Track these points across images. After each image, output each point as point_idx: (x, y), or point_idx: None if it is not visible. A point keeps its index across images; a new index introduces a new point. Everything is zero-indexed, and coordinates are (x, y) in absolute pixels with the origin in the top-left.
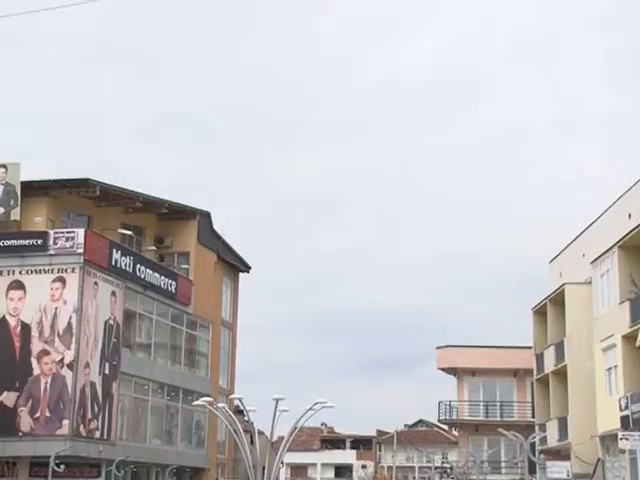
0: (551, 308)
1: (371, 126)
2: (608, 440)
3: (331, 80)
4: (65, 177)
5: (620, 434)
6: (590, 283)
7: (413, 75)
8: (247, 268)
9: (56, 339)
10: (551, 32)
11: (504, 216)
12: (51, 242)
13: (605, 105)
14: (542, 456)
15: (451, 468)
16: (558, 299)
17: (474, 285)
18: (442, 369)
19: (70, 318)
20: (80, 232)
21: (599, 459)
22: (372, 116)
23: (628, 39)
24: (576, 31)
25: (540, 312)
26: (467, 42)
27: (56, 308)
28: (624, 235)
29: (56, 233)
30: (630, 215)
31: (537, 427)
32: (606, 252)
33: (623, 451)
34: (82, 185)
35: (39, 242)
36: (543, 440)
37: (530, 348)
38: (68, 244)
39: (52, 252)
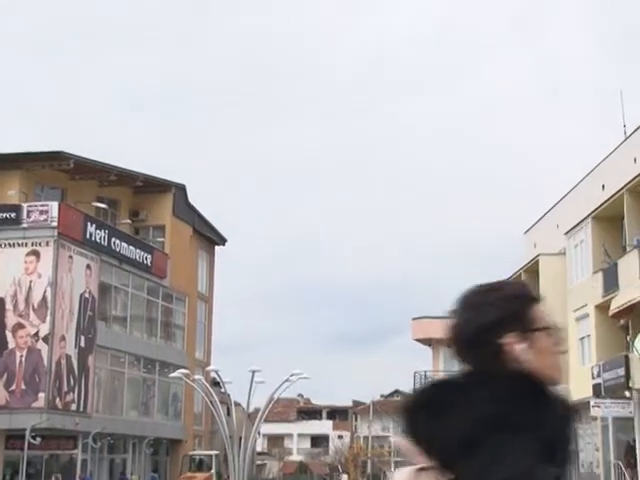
0: (525, 279)
1: (353, 101)
2: (580, 408)
3: (311, 55)
4: (38, 150)
5: (592, 402)
6: (564, 254)
7: (397, 50)
8: (223, 241)
9: (31, 313)
10: (536, 4)
11: (480, 188)
12: (25, 216)
13: (586, 78)
14: None
15: None
16: (532, 270)
17: (450, 256)
18: (418, 340)
19: (45, 291)
20: (54, 205)
21: None
22: (354, 91)
23: (612, 12)
24: (561, 3)
25: None
26: (449, 16)
27: (30, 282)
28: (598, 206)
29: (30, 206)
30: (604, 186)
31: None
32: (580, 223)
33: (595, 418)
34: (55, 158)
35: (12, 216)
36: None
37: None
38: (42, 217)
39: (26, 226)
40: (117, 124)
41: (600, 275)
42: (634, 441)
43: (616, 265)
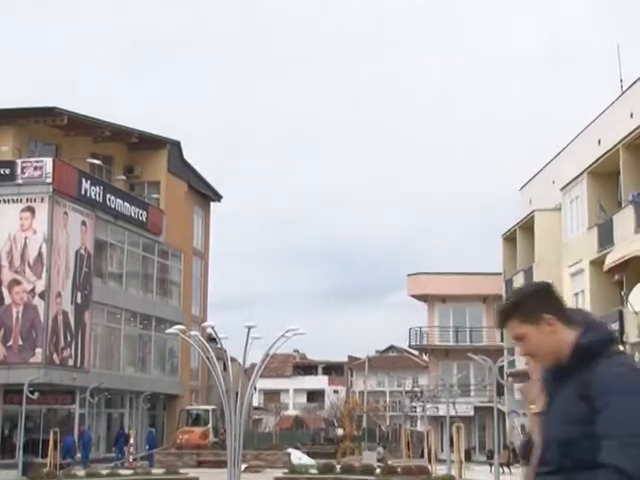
0: (521, 235)
1: (353, 57)
2: None
3: (303, 15)
4: (31, 105)
5: None
6: (559, 209)
7: (393, 6)
8: (218, 197)
9: (27, 269)
10: None
11: (476, 145)
12: (19, 171)
13: (584, 33)
14: (510, 379)
15: (421, 392)
16: (528, 226)
17: (445, 213)
18: (413, 296)
19: (40, 248)
20: (48, 161)
21: None
22: (349, 51)
23: None
24: None
25: (510, 239)
26: None
27: (26, 238)
28: (593, 161)
29: (24, 162)
30: (599, 141)
31: (506, 351)
32: (575, 179)
33: None
34: (49, 114)
35: (6, 172)
36: (511, 363)
37: (500, 274)
38: (36, 173)
39: (20, 182)
40: (112, 81)
41: (595, 230)
42: None
43: (611, 220)
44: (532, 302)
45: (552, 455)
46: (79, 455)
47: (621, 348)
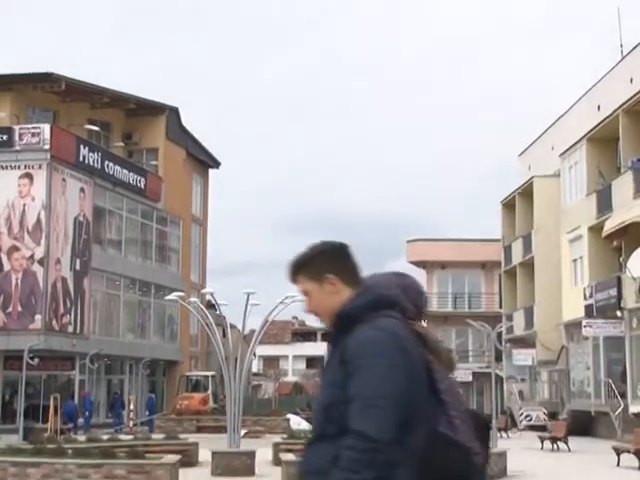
0: (519, 201)
1: (353, 23)
2: (572, 328)
3: None
4: (28, 71)
5: (584, 322)
6: (558, 176)
7: None
8: (217, 164)
9: (25, 235)
10: None
11: (475, 111)
12: (17, 138)
13: (585, 4)
14: (508, 345)
15: None
16: (527, 192)
17: (444, 180)
18: (412, 262)
19: (39, 214)
20: (46, 128)
21: (563, 346)
22: (354, 13)
23: None
24: None
25: (509, 205)
26: None
27: (24, 205)
28: (593, 127)
29: (21, 129)
30: (599, 107)
31: (504, 317)
32: (574, 145)
33: (586, 338)
34: (46, 79)
35: (4, 138)
36: (510, 329)
37: (498, 241)
38: (34, 140)
39: (18, 148)
40: (109, 47)
41: (594, 196)
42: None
43: (610, 186)
44: (318, 261)
45: (318, 421)
46: (81, 420)
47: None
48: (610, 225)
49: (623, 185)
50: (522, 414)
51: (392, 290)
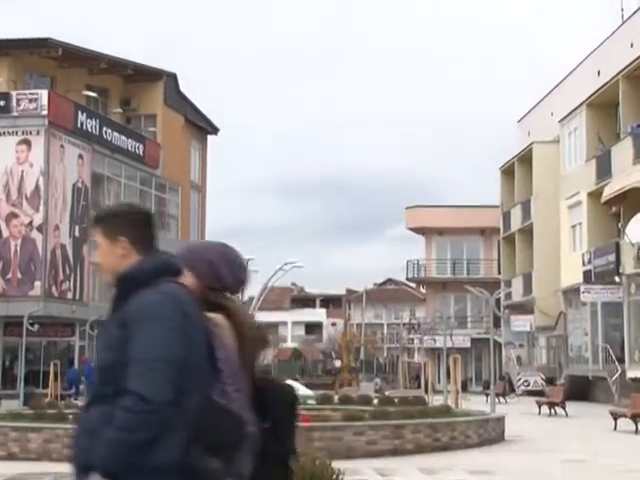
0: (519, 167)
1: None
2: (570, 294)
3: None
4: (26, 36)
5: (582, 288)
6: (558, 142)
7: None
8: (215, 130)
9: (24, 202)
10: None
11: (475, 76)
12: (14, 103)
13: None
14: (507, 311)
15: (418, 324)
16: (526, 158)
17: (444, 146)
18: (411, 229)
19: (37, 181)
20: (44, 93)
21: (561, 312)
22: None
23: None
24: None
25: (508, 171)
26: None
27: (22, 171)
28: (592, 93)
29: (19, 94)
30: (599, 72)
31: (502, 283)
32: (574, 110)
33: (584, 304)
34: (43, 45)
35: (1, 103)
36: (508, 295)
37: (497, 207)
38: (32, 106)
39: (16, 114)
40: (107, 13)
41: (593, 162)
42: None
43: (609, 152)
44: (115, 222)
45: (96, 382)
46: (82, 386)
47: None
48: (609, 191)
49: (622, 151)
50: (520, 379)
51: (180, 258)
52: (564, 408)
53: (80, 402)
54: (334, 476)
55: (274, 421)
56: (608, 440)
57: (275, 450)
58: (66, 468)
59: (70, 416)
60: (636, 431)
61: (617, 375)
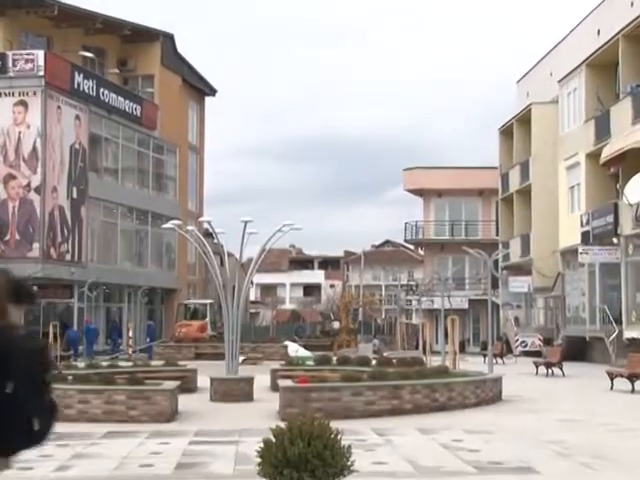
0: (517, 128)
1: None
2: (568, 255)
3: None
4: None
5: (580, 249)
6: (557, 102)
7: None
8: (213, 92)
9: (22, 163)
10: None
11: (473, 37)
12: (10, 64)
13: None
14: (505, 272)
15: (416, 285)
16: (524, 119)
17: (443, 108)
18: (409, 190)
19: (35, 142)
20: (40, 54)
21: (559, 273)
22: None
23: None
24: None
25: (506, 132)
26: None
27: (19, 132)
28: (592, 53)
29: (15, 55)
30: (599, 32)
31: (501, 244)
32: (573, 70)
33: (582, 265)
34: (39, 4)
35: None
36: (506, 257)
37: (496, 168)
38: (28, 66)
39: (12, 75)
40: None
41: (592, 123)
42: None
43: (609, 113)
44: None
45: None
46: (82, 347)
47: (615, 241)
48: (608, 152)
49: (622, 111)
50: (517, 340)
51: None
52: (561, 368)
53: (79, 363)
54: (333, 436)
55: (17, 383)
56: (604, 400)
57: (18, 415)
58: (65, 428)
59: (69, 377)
60: (632, 390)
61: (614, 335)
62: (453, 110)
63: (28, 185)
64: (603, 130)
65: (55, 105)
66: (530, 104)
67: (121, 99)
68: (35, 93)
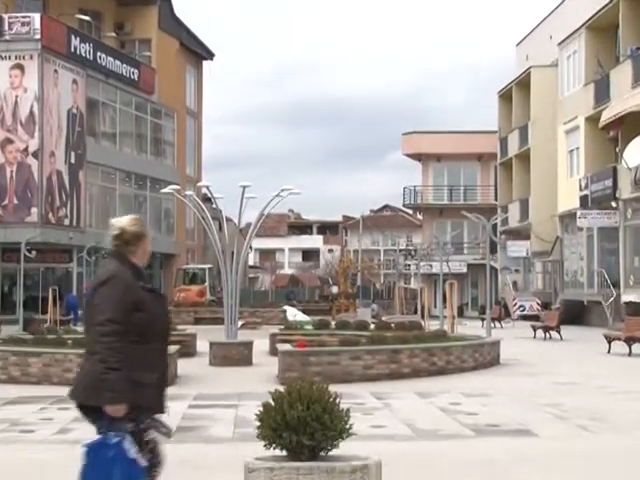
0: (517, 92)
1: None
2: (567, 219)
3: None
4: None
5: (579, 213)
6: (556, 66)
7: None
8: (211, 55)
9: (19, 128)
10: None
11: (473, 0)
12: (6, 27)
13: None
14: (503, 236)
15: (415, 250)
16: (524, 82)
17: (444, 72)
18: (408, 155)
19: (32, 107)
20: (36, 17)
21: (557, 237)
22: None
23: None
24: None
25: (506, 96)
26: None
27: (16, 96)
28: (592, 15)
29: (10, 18)
30: None
31: (499, 209)
32: (573, 33)
33: (581, 229)
34: None
35: None
36: (505, 221)
37: (495, 133)
38: (24, 29)
39: (8, 38)
40: None
41: (592, 86)
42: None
43: (608, 76)
44: None
45: None
46: (80, 312)
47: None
48: (607, 115)
49: (622, 74)
50: (516, 304)
51: None
52: (559, 332)
53: (78, 328)
54: (332, 400)
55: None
56: (602, 363)
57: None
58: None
59: (69, 341)
60: (629, 354)
61: (612, 299)
62: (454, 74)
63: (26, 149)
64: (603, 93)
65: (52, 69)
66: (529, 67)
67: (118, 63)
68: (32, 57)
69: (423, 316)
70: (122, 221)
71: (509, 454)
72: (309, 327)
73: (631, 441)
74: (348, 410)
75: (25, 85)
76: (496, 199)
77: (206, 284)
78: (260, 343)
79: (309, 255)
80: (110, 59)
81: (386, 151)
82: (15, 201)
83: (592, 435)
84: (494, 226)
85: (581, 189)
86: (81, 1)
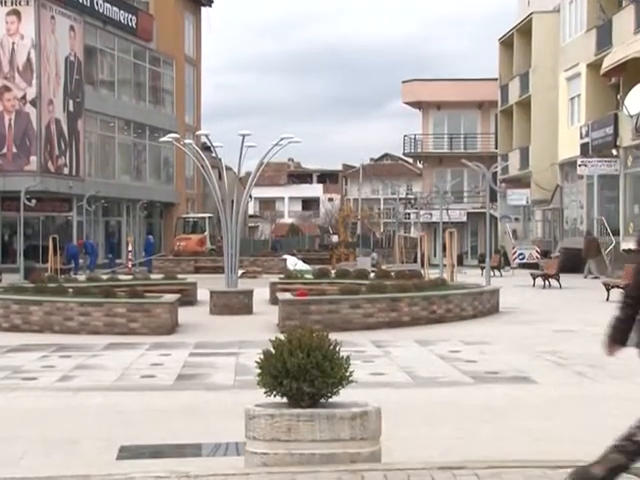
0: (518, 39)
1: None
2: (567, 167)
3: None
4: None
5: (579, 161)
6: (558, 12)
7: None
8: (209, 1)
9: (16, 75)
10: None
11: None
12: None
13: None
14: (503, 185)
15: (415, 199)
16: (525, 29)
17: (445, 19)
18: (407, 103)
19: (29, 54)
20: None
21: (558, 185)
22: None
23: None
24: None
25: (507, 43)
26: None
27: (13, 43)
28: None
29: None
30: None
31: (499, 157)
32: None
33: (581, 177)
34: None
35: None
36: (505, 170)
37: (495, 80)
38: None
39: None
40: None
41: (594, 32)
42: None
43: (611, 21)
44: None
45: None
46: (81, 261)
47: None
48: (609, 62)
49: (624, 19)
50: (515, 253)
51: None
52: (558, 280)
53: (79, 276)
54: (332, 347)
55: None
56: (600, 310)
57: None
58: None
59: (70, 290)
60: None
61: (611, 247)
62: (456, 22)
63: (24, 97)
64: (604, 40)
65: (49, 15)
66: (531, 13)
67: (116, 9)
68: (28, 2)
69: (423, 265)
70: None
71: (508, 400)
72: (309, 276)
73: (631, 386)
74: (348, 358)
75: (22, 32)
76: (496, 147)
77: (206, 233)
78: (260, 292)
79: (309, 204)
80: (107, 5)
81: (386, 99)
82: (14, 149)
83: (590, 381)
84: (494, 174)
85: (582, 137)
86: None
